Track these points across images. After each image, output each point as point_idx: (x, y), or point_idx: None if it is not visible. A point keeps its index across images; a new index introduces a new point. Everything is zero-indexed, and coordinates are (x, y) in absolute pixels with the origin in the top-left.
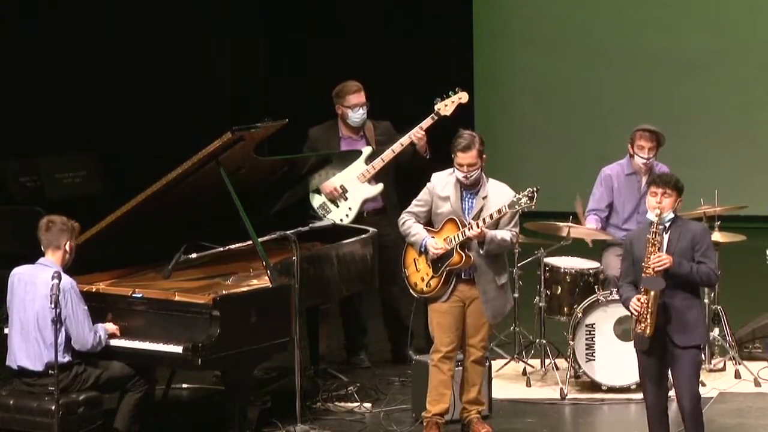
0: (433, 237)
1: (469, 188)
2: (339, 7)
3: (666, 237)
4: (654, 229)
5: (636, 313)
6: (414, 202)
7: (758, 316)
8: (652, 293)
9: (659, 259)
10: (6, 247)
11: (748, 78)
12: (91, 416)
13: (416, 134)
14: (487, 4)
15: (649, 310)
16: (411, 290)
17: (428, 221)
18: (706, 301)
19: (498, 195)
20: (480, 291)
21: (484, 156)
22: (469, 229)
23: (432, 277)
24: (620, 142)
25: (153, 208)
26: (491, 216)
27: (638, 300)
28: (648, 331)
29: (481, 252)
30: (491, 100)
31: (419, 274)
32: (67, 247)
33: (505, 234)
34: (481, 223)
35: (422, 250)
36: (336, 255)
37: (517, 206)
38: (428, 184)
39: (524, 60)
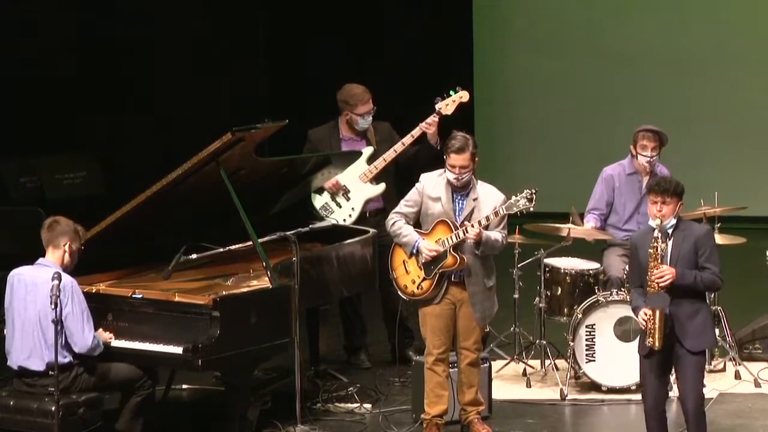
0: (423, 239)
1: (460, 190)
2: (339, 7)
3: (669, 243)
4: (655, 237)
5: (644, 327)
6: (403, 202)
7: (758, 317)
8: (657, 311)
9: (662, 274)
10: (6, 248)
11: (748, 78)
12: (91, 417)
13: (426, 123)
14: (487, 4)
15: (656, 326)
16: (400, 293)
17: (417, 222)
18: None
19: (488, 197)
20: (469, 293)
21: (476, 159)
22: (464, 232)
23: (423, 279)
24: (620, 143)
25: (153, 209)
26: (487, 218)
27: (645, 314)
28: (656, 345)
29: (477, 252)
30: (491, 100)
31: (409, 276)
32: (66, 248)
33: (497, 235)
34: (477, 224)
35: (414, 252)
36: (336, 256)
37: (514, 208)
38: (417, 185)
39: (524, 60)
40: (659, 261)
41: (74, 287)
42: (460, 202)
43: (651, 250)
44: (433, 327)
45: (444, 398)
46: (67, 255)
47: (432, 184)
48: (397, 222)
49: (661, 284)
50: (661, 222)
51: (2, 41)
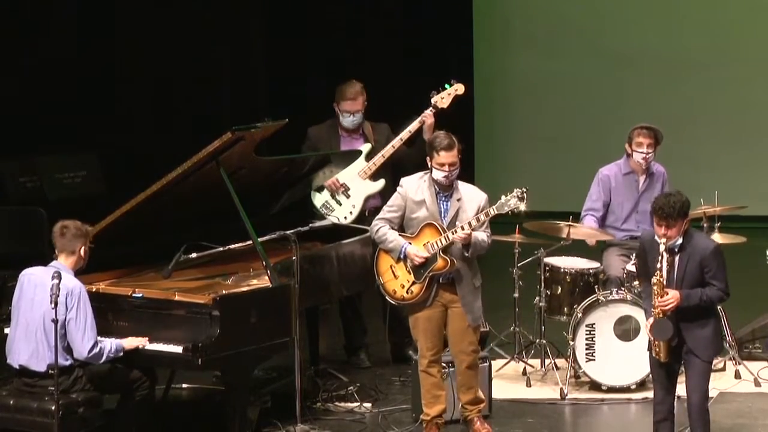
0: (410, 243)
1: (443, 191)
2: (338, 7)
3: (676, 259)
4: (658, 268)
5: (649, 339)
6: (386, 208)
7: (758, 316)
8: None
9: (666, 302)
10: (6, 247)
11: (748, 78)
12: (91, 417)
13: (425, 116)
14: (487, 4)
15: (661, 346)
16: (388, 298)
17: (401, 227)
18: None
19: (471, 197)
20: (460, 295)
21: (459, 156)
22: (453, 233)
23: (413, 283)
24: (620, 142)
25: (153, 208)
26: (477, 219)
27: (649, 334)
28: (662, 359)
29: (467, 254)
30: (491, 100)
31: (398, 281)
32: (82, 252)
33: (482, 236)
34: (467, 226)
35: (401, 256)
36: (336, 255)
37: (505, 207)
38: (399, 189)
39: (524, 60)
40: (663, 288)
41: (82, 294)
42: (444, 203)
43: (655, 279)
44: (425, 330)
45: (441, 398)
46: (81, 259)
47: (414, 188)
48: (381, 228)
49: (665, 309)
50: (667, 242)
51: (3, 41)
